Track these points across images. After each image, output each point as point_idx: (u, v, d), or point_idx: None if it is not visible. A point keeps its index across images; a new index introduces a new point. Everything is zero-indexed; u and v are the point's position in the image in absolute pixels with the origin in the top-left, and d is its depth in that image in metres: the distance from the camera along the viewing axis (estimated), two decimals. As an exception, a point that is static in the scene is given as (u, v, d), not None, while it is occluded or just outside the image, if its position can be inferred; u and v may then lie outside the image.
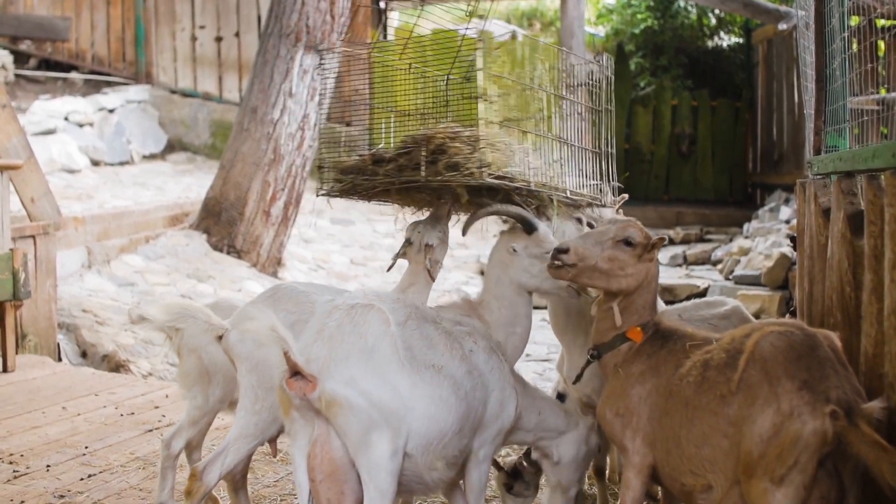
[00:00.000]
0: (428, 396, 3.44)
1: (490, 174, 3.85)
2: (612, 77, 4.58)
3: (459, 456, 3.66)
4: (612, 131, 4.52)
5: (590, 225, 4.53)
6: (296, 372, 3.29)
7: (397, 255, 4.46)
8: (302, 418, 3.39)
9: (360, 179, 4.17)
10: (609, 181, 4.53)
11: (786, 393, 2.91)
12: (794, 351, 2.99)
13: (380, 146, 4.43)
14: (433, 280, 4.35)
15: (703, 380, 3.22)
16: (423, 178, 3.95)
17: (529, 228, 3.98)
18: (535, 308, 4.28)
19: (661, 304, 4.71)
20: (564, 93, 4.43)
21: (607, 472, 4.90)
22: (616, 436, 3.55)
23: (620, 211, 5.14)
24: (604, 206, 4.55)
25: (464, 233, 4.40)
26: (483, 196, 4.18)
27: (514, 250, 3.98)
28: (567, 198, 4.31)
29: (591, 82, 4.53)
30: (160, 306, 4.05)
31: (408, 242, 4.43)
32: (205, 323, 4.00)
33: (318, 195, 4.39)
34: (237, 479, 4.42)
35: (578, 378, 3.94)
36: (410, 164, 4.00)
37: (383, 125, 4.49)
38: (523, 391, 3.97)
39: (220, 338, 4.01)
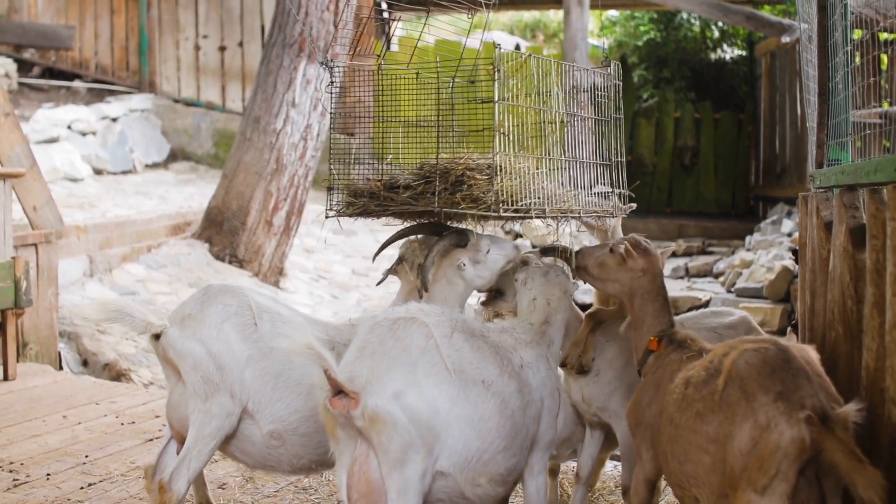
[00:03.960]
0: (467, 415, 3.40)
1: (506, 209, 3.88)
2: (620, 84, 4.58)
3: (507, 473, 3.60)
4: (621, 140, 4.52)
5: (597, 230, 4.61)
6: (339, 390, 3.27)
7: (388, 272, 4.43)
8: (347, 437, 3.37)
9: (372, 205, 4.19)
10: (620, 190, 4.53)
11: (762, 406, 2.95)
12: (768, 365, 3.04)
13: (388, 160, 4.43)
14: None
15: (683, 397, 3.28)
16: (437, 207, 3.99)
17: (464, 242, 4.15)
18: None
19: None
20: (575, 108, 4.42)
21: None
22: (636, 445, 3.65)
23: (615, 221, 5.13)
24: (613, 216, 4.56)
25: (374, 258, 4.71)
26: (490, 220, 4.25)
27: (464, 265, 4.13)
28: (579, 217, 4.33)
29: (598, 92, 4.52)
30: (95, 305, 3.98)
31: (401, 259, 4.40)
32: (142, 321, 3.92)
33: (327, 216, 4.37)
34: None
35: None
36: (427, 191, 4.02)
37: (391, 136, 4.49)
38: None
39: (158, 336, 3.93)
